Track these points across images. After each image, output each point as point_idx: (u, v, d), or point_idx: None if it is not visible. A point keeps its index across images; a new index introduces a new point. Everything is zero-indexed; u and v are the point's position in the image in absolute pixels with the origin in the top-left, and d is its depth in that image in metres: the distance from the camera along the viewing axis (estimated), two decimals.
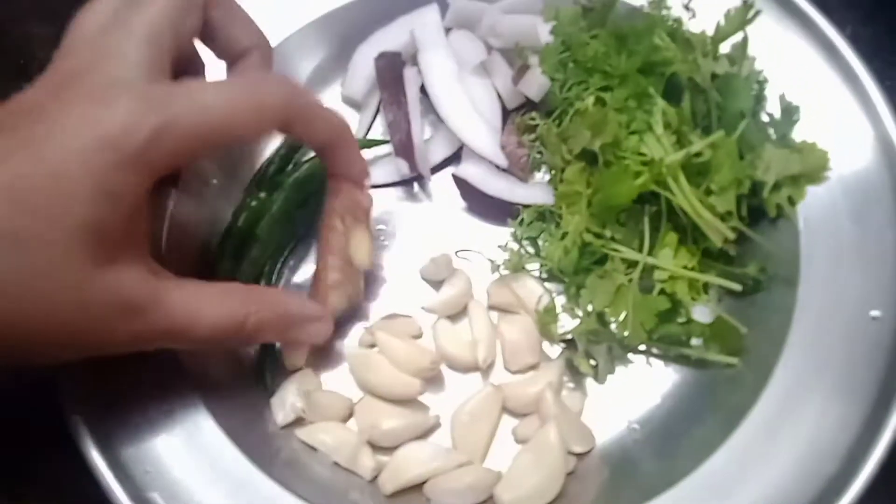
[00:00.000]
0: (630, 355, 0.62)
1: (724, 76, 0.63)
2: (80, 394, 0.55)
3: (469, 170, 0.67)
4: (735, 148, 0.60)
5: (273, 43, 0.61)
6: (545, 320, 0.61)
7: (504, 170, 0.67)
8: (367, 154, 0.68)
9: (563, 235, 0.60)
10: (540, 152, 0.67)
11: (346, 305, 0.63)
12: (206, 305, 0.50)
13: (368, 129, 0.73)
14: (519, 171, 0.67)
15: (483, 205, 0.67)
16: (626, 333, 0.58)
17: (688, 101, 0.62)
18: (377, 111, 0.73)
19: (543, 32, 0.68)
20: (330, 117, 0.56)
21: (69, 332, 0.46)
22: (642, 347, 0.62)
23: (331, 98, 0.73)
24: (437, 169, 0.70)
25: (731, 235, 0.59)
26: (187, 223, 0.64)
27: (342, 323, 0.64)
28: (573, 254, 0.59)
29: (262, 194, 0.66)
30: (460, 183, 0.67)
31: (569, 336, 0.61)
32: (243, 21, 0.57)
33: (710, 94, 0.63)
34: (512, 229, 0.65)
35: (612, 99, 0.62)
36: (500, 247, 0.65)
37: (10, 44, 0.79)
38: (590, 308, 0.60)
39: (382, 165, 0.70)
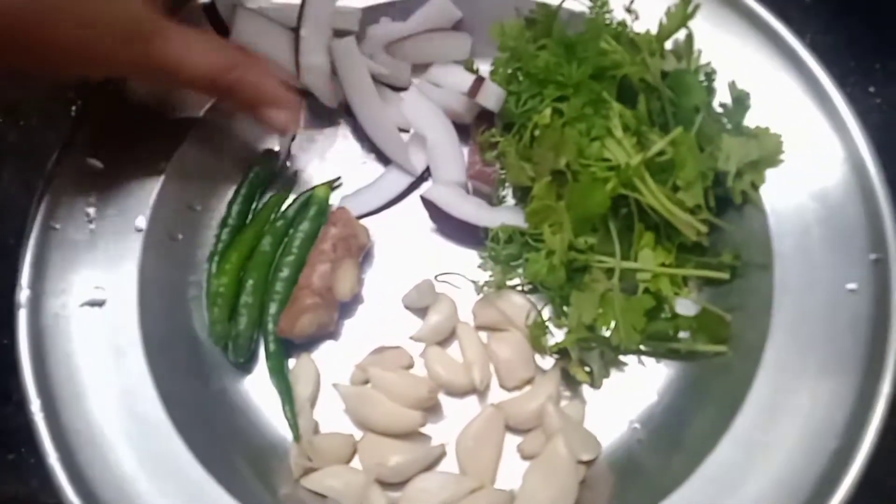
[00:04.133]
0: (622, 357, 0.63)
1: (674, 73, 0.64)
2: None
3: (437, 192, 0.67)
4: (695, 142, 0.61)
5: None
6: (536, 333, 0.61)
7: (476, 192, 0.67)
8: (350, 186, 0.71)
9: (548, 254, 0.60)
10: (504, 170, 0.68)
11: (314, 331, 0.63)
12: (199, 51, 0.57)
13: None
14: (488, 189, 0.68)
15: (451, 227, 0.67)
16: (619, 339, 0.59)
17: (642, 101, 0.64)
18: None
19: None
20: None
21: (85, 40, 0.52)
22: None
23: None
24: (408, 191, 0.70)
25: (704, 228, 0.61)
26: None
27: (308, 345, 0.64)
28: (560, 271, 0.60)
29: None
30: (428, 205, 0.67)
31: (560, 347, 0.61)
32: None
33: (663, 91, 0.64)
34: (485, 249, 0.65)
35: (569, 108, 0.63)
36: (479, 267, 0.65)
37: None
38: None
39: (363, 195, 0.70)
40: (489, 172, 0.68)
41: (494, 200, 0.68)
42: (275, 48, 0.68)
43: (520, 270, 0.64)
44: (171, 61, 0.55)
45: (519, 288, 0.65)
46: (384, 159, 0.71)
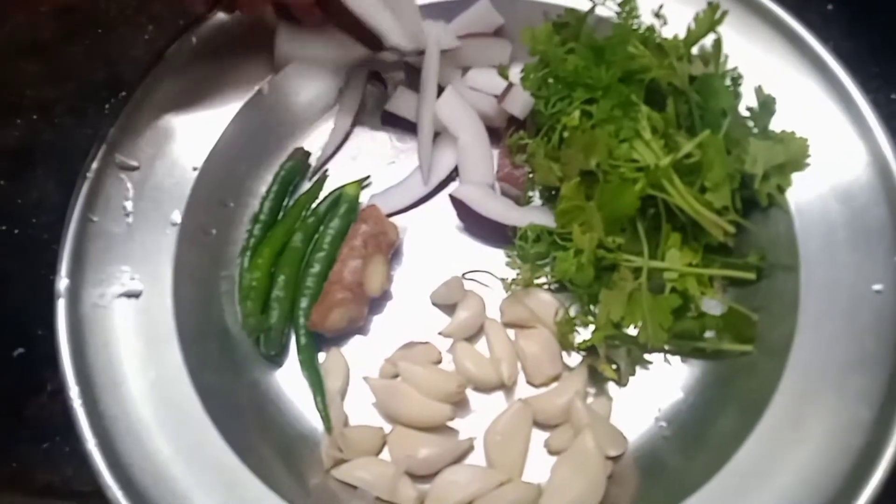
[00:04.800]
0: (648, 355, 0.63)
1: (702, 77, 0.66)
2: None
3: (466, 191, 0.68)
4: (722, 145, 0.62)
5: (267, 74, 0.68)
6: (564, 330, 0.62)
7: (504, 193, 0.68)
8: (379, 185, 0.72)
9: (577, 252, 0.61)
10: (532, 172, 0.69)
11: (345, 325, 0.64)
12: None
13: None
14: (516, 192, 0.69)
15: (479, 225, 0.68)
16: (646, 337, 0.60)
17: (671, 104, 0.65)
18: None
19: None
20: None
21: None
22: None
23: None
24: (437, 191, 0.71)
25: (731, 229, 0.62)
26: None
27: (338, 339, 0.65)
28: (588, 270, 0.61)
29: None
30: (457, 203, 0.68)
31: (589, 344, 0.62)
32: None
33: (691, 95, 0.65)
34: (513, 248, 0.66)
35: (598, 111, 0.64)
36: (507, 265, 0.66)
37: (3, 82, 0.80)
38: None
39: (393, 194, 0.71)
40: (518, 175, 0.69)
41: (522, 202, 0.69)
42: None
43: (547, 269, 0.66)
44: None
45: (546, 286, 0.66)
46: (413, 159, 0.72)
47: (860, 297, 0.59)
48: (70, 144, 0.76)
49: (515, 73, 0.71)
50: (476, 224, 0.69)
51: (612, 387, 0.63)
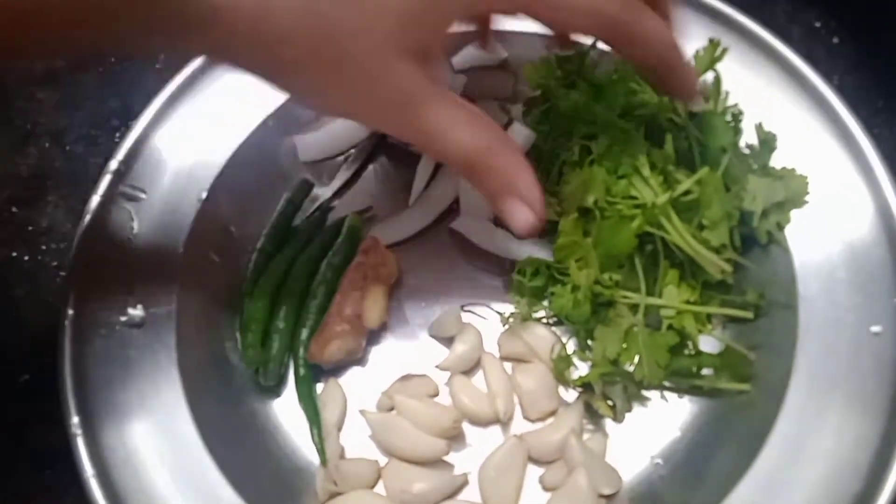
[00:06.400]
0: (645, 392, 0.63)
1: (703, 114, 0.66)
2: None
3: (466, 223, 0.68)
4: (721, 182, 0.62)
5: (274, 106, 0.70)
6: (560, 367, 0.62)
7: (501, 225, 0.68)
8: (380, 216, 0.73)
9: (574, 288, 0.61)
10: None
11: (343, 357, 0.64)
12: (464, 127, 0.52)
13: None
14: None
15: (479, 257, 0.68)
16: (643, 374, 0.60)
17: (669, 141, 0.65)
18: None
19: None
20: (661, 35, 0.55)
21: (353, 111, 0.54)
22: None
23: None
24: (437, 222, 0.72)
25: (728, 268, 0.61)
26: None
27: (336, 371, 0.66)
28: (585, 306, 0.61)
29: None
30: (457, 236, 0.68)
31: (585, 381, 0.62)
32: None
33: (691, 132, 0.65)
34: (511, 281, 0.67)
35: (598, 146, 0.64)
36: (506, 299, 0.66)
37: (16, 109, 0.81)
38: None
39: (393, 225, 0.72)
40: None
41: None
42: None
43: (545, 303, 0.66)
44: (433, 133, 0.51)
45: (544, 320, 0.66)
46: (414, 191, 0.73)
47: (859, 338, 0.58)
48: (81, 172, 0.78)
49: (518, 108, 0.72)
50: (476, 256, 0.69)
51: (608, 424, 0.63)
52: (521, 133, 0.69)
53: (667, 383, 0.63)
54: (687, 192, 0.62)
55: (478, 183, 0.55)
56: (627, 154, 0.64)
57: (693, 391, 0.63)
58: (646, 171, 0.63)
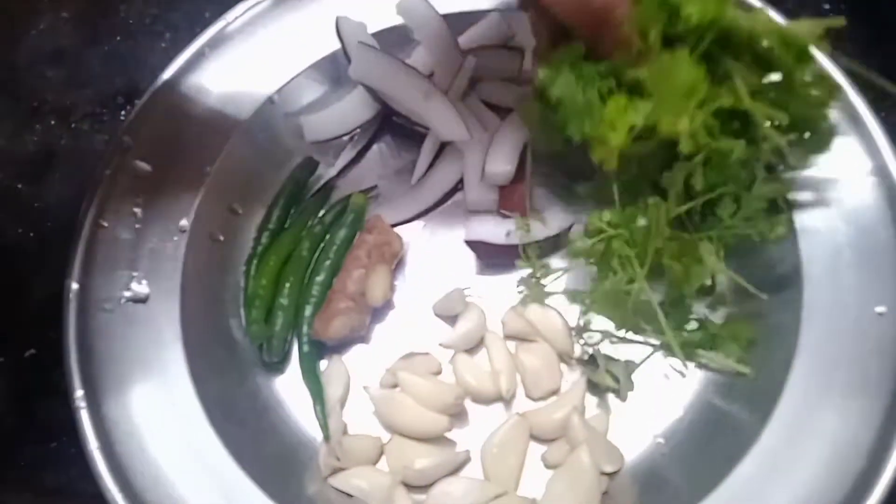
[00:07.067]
0: (648, 369, 0.63)
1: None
2: None
3: (478, 230, 0.68)
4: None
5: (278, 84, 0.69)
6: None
7: (506, 216, 0.68)
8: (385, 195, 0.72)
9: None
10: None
11: (346, 334, 0.65)
12: None
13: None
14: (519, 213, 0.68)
15: (496, 255, 0.68)
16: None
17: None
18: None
19: None
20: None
21: None
22: (660, 359, 0.64)
23: None
24: (442, 201, 0.72)
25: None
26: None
27: (340, 348, 0.66)
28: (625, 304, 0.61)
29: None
30: (474, 245, 0.68)
31: (590, 351, 0.63)
32: None
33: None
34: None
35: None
36: (520, 283, 0.67)
37: (24, 87, 0.81)
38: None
39: (398, 204, 0.72)
40: (516, 197, 0.68)
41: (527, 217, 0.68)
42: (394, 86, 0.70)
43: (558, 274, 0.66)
44: None
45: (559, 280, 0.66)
46: (417, 171, 0.72)
47: (863, 318, 0.58)
48: (87, 150, 0.78)
49: None
50: (494, 254, 0.68)
51: (610, 403, 0.63)
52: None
53: (671, 357, 0.63)
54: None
55: (588, 31, 0.54)
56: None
57: (697, 368, 0.63)
58: None
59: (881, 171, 0.63)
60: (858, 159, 0.64)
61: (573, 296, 0.66)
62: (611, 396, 0.63)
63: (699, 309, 0.64)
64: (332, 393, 0.63)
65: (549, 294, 0.66)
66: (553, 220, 0.68)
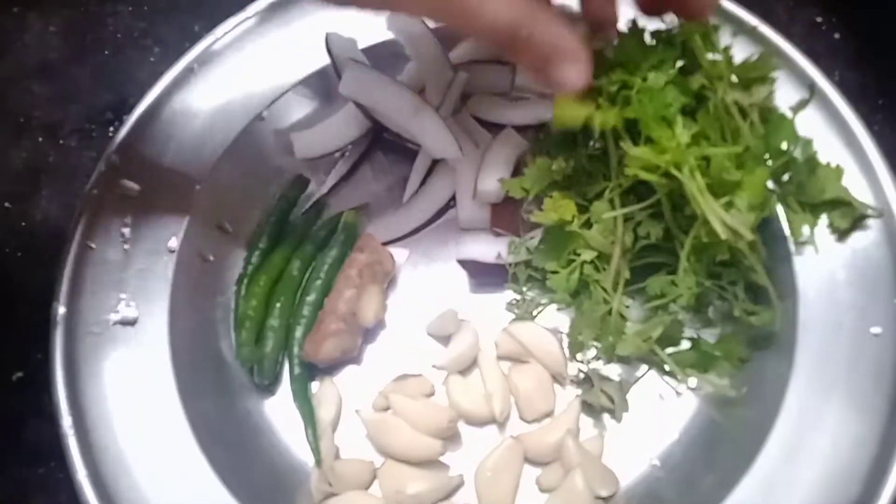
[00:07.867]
0: (643, 391, 0.63)
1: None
2: None
3: (470, 249, 0.67)
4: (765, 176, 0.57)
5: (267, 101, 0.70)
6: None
7: (499, 234, 0.67)
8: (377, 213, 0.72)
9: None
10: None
11: (338, 356, 0.64)
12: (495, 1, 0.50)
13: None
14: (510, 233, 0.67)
15: (489, 274, 0.67)
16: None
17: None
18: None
19: None
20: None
21: None
22: (655, 378, 0.63)
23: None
24: (434, 220, 0.71)
25: (749, 235, 0.55)
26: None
27: (331, 369, 0.65)
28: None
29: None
30: (467, 265, 0.67)
31: (586, 369, 0.62)
32: None
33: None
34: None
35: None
36: (509, 303, 0.66)
37: (10, 102, 0.80)
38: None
39: (390, 222, 0.71)
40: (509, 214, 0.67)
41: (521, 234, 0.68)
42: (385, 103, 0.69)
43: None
44: (468, 7, 0.50)
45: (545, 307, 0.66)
46: (409, 188, 0.72)
47: (858, 339, 0.58)
48: (75, 167, 0.77)
49: None
50: (487, 273, 0.67)
51: (605, 426, 0.62)
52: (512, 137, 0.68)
53: (663, 375, 0.63)
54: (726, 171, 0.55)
55: (521, 55, 0.53)
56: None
57: (691, 391, 0.63)
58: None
59: (875, 189, 0.62)
60: (852, 177, 0.63)
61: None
62: (606, 417, 0.63)
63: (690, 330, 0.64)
64: (323, 416, 0.63)
65: (540, 311, 0.66)
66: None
